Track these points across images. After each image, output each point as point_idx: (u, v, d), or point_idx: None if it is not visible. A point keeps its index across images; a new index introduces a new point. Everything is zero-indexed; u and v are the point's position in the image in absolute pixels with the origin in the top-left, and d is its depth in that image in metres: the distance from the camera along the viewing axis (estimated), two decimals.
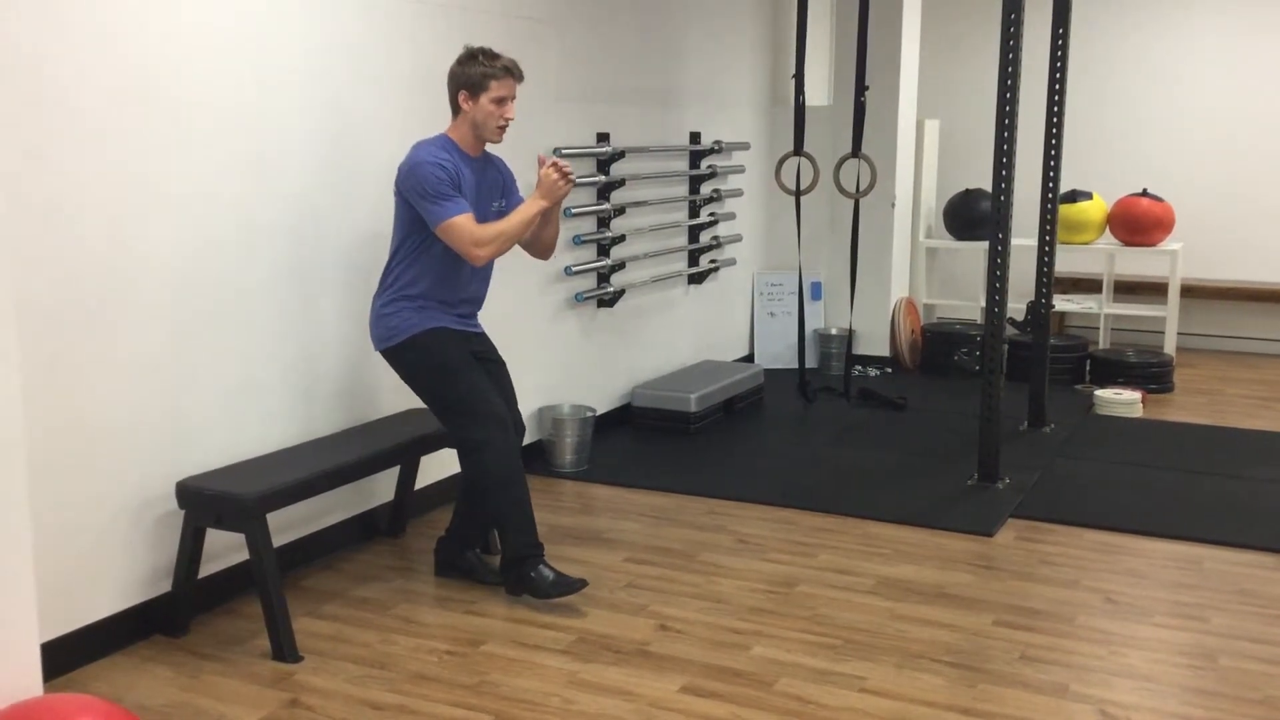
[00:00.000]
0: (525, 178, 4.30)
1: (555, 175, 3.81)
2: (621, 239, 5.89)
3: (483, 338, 4.05)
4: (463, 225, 3.69)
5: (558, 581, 3.83)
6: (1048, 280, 6.21)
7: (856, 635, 3.68)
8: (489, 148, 3.94)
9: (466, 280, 3.90)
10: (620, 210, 5.86)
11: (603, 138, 5.74)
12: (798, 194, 6.61)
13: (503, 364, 4.10)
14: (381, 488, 4.53)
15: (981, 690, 3.32)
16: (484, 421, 3.80)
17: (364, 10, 4.27)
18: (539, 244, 4.06)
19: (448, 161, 3.74)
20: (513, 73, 3.80)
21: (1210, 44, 8.34)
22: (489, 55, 3.78)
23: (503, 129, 3.83)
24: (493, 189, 3.95)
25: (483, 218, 3.84)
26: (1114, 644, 3.63)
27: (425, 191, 3.69)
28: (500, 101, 3.78)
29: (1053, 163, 6.10)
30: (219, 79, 3.72)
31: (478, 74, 3.76)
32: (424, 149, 3.77)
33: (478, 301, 4.01)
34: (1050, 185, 6.13)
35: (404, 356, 3.86)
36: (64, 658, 3.34)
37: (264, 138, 3.90)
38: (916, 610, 3.87)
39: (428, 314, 3.83)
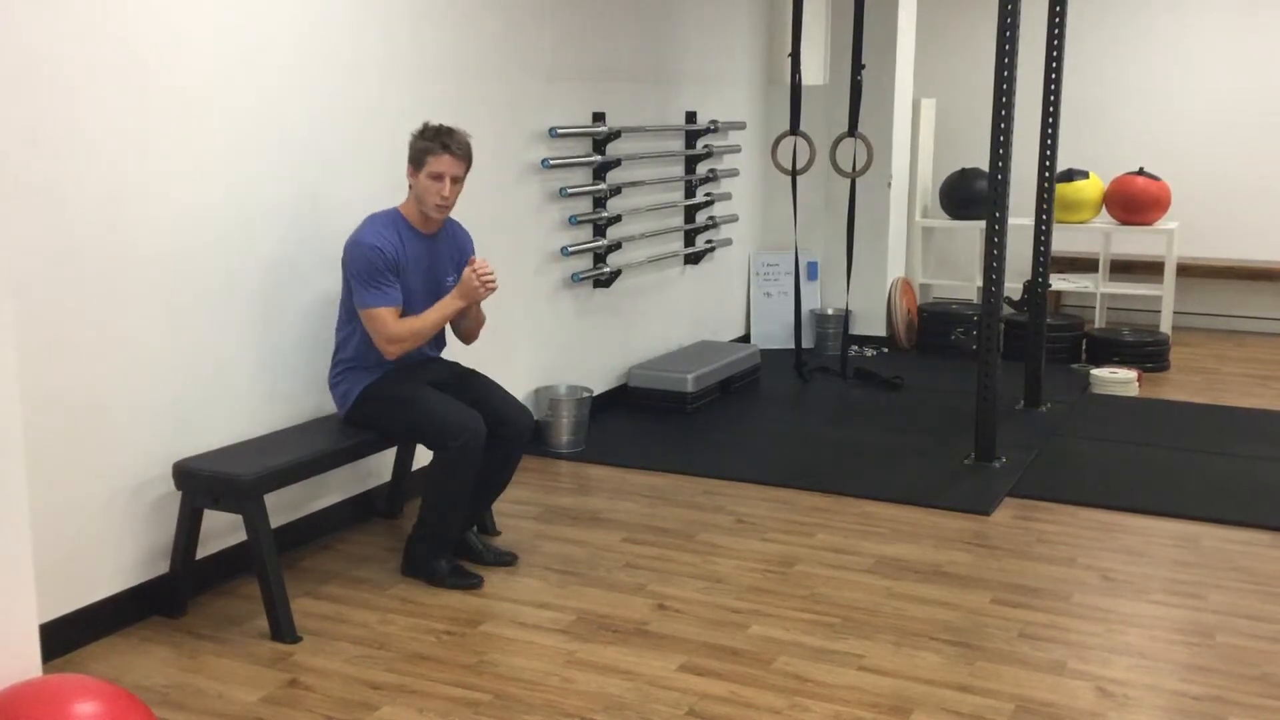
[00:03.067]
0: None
1: (475, 282, 3.83)
2: (618, 219, 5.88)
3: (437, 362, 4.09)
4: (383, 317, 3.76)
5: (453, 572, 3.89)
6: (1044, 259, 6.20)
7: (854, 614, 3.69)
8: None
9: (417, 350, 3.96)
10: (616, 190, 5.84)
11: (598, 117, 5.72)
12: (794, 174, 6.60)
13: (475, 372, 4.12)
14: (379, 469, 4.53)
15: (979, 668, 3.33)
16: (456, 431, 3.78)
17: None
18: (459, 330, 4.12)
19: (389, 244, 3.78)
20: (450, 149, 3.77)
21: (1208, 23, 8.32)
22: (436, 131, 3.80)
23: (441, 207, 3.82)
24: (446, 264, 3.99)
25: (434, 292, 3.91)
26: (1111, 621, 3.65)
27: (358, 271, 3.76)
28: (437, 178, 3.77)
29: (1049, 142, 6.08)
30: (217, 63, 3.70)
31: (420, 148, 3.80)
32: (369, 228, 3.81)
33: (432, 354, 4.10)
34: (1047, 164, 6.11)
35: (364, 411, 3.92)
36: (62, 639, 3.34)
37: (263, 119, 3.88)
38: (914, 589, 3.88)
39: (373, 372, 3.91)
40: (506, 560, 4.06)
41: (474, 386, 4.05)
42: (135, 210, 3.48)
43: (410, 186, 3.86)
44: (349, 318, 3.90)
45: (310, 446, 3.80)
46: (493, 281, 3.86)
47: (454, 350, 4.25)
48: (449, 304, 3.88)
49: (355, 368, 3.92)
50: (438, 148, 3.77)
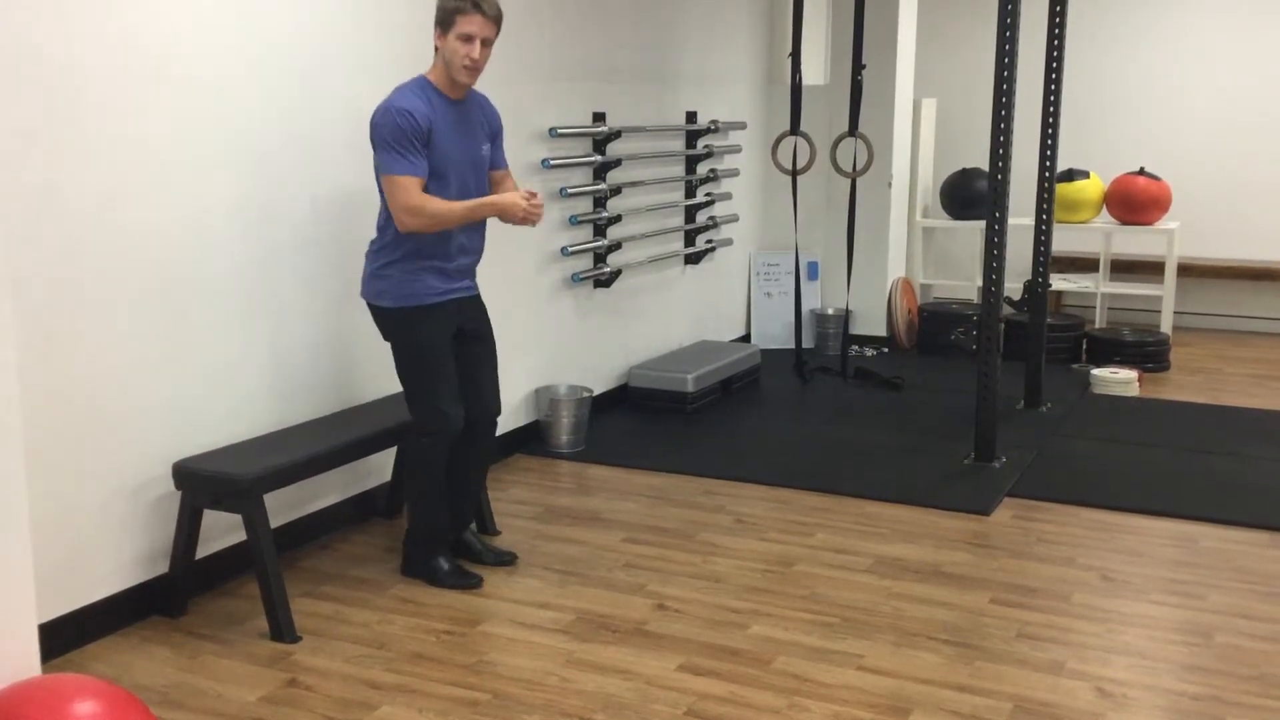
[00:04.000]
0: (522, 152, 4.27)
1: (522, 207, 3.71)
2: (618, 219, 5.88)
3: (474, 304, 3.94)
4: (405, 185, 3.57)
5: (453, 572, 3.90)
6: (1044, 259, 6.20)
7: (853, 614, 3.69)
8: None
9: (456, 235, 3.77)
10: (616, 190, 5.84)
11: (598, 117, 5.72)
12: (794, 173, 6.60)
13: (488, 342, 3.99)
14: (378, 468, 4.53)
15: (978, 668, 3.33)
16: (437, 419, 3.80)
17: None
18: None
19: (419, 110, 3.59)
20: (480, 9, 3.59)
21: (1209, 22, 8.31)
22: None
23: (469, 69, 3.63)
24: (479, 131, 3.81)
25: (472, 160, 3.77)
26: (1110, 621, 3.65)
27: (384, 139, 3.59)
28: (466, 39, 3.59)
29: (1049, 141, 6.08)
30: (217, 59, 3.70)
31: (449, 8, 3.62)
32: (399, 94, 3.65)
33: (473, 254, 3.89)
34: (1047, 164, 6.11)
35: (385, 322, 3.82)
36: (62, 638, 3.34)
37: (263, 118, 3.88)
38: (913, 589, 3.88)
39: (419, 281, 3.73)
40: (506, 560, 4.06)
41: (476, 360, 3.94)
42: (135, 209, 3.48)
43: (436, 50, 3.67)
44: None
45: (310, 446, 3.80)
46: (539, 213, 3.75)
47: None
48: (483, 207, 3.72)
49: (398, 265, 3.73)
50: (468, 6, 3.58)
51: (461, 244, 3.81)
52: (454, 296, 3.83)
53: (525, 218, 3.74)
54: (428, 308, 3.77)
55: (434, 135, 3.64)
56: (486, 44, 3.66)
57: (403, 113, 3.58)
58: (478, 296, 3.98)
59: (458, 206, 3.67)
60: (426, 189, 3.65)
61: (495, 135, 3.93)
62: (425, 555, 3.91)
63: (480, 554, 4.06)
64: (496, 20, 3.67)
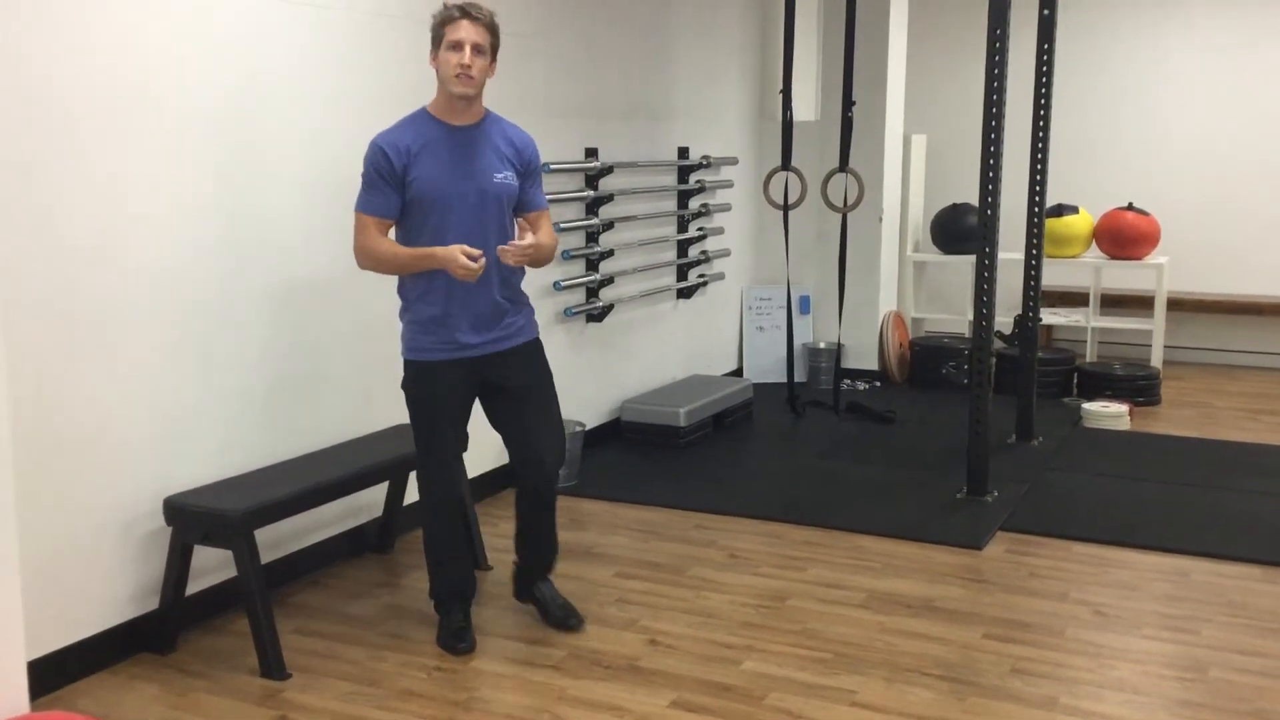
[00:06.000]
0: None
1: (458, 266, 3.39)
2: (610, 254, 5.90)
3: (505, 358, 3.65)
4: (363, 224, 3.49)
5: (453, 631, 3.69)
6: (1035, 294, 6.23)
7: (846, 649, 3.68)
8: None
9: (474, 287, 3.53)
10: (609, 225, 5.86)
11: (591, 153, 5.75)
12: (786, 208, 6.63)
13: (535, 390, 3.71)
14: (370, 503, 4.52)
15: (971, 703, 3.32)
16: (427, 480, 3.68)
17: (354, 24, 4.28)
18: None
19: (396, 145, 3.46)
20: (468, 14, 3.44)
21: (1194, 58, 8.39)
22: (453, 5, 3.48)
23: (462, 78, 3.43)
24: (491, 156, 3.57)
25: (482, 186, 3.52)
26: (1103, 656, 3.64)
27: (362, 170, 3.51)
28: (456, 46, 3.42)
29: (1039, 177, 6.12)
30: (211, 91, 3.72)
31: (437, 22, 3.47)
32: (389, 128, 3.54)
33: (498, 302, 3.61)
34: (1036, 199, 6.15)
35: (405, 375, 3.66)
36: (51, 676, 3.32)
37: (257, 149, 3.90)
38: (906, 624, 3.87)
39: (428, 335, 3.56)
40: (573, 625, 3.82)
41: (514, 412, 3.68)
42: (128, 243, 3.49)
43: (437, 77, 3.52)
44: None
45: (301, 481, 3.79)
46: (467, 273, 3.40)
47: None
48: (423, 258, 3.47)
49: (412, 315, 3.59)
50: (456, 13, 3.43)
51: (471, 295, 3.54)
52: (470, 354, 3.59)
53: (466, 276, 3.43)
54: (433, 364, 3.57)
55: (417, 167, 3.48)
56: (479, 51, 3.45)
57: (375, 149, 3.50)
58: (517, 347, 3.69)
59: (402, 254, 3.50)
60: (424, 223, 3.51)
61: (528, 171, 3.70)
62: (441, 601, 3.77)
63: (547, 610, 3.85)
64: (488, 26, 3.48)
